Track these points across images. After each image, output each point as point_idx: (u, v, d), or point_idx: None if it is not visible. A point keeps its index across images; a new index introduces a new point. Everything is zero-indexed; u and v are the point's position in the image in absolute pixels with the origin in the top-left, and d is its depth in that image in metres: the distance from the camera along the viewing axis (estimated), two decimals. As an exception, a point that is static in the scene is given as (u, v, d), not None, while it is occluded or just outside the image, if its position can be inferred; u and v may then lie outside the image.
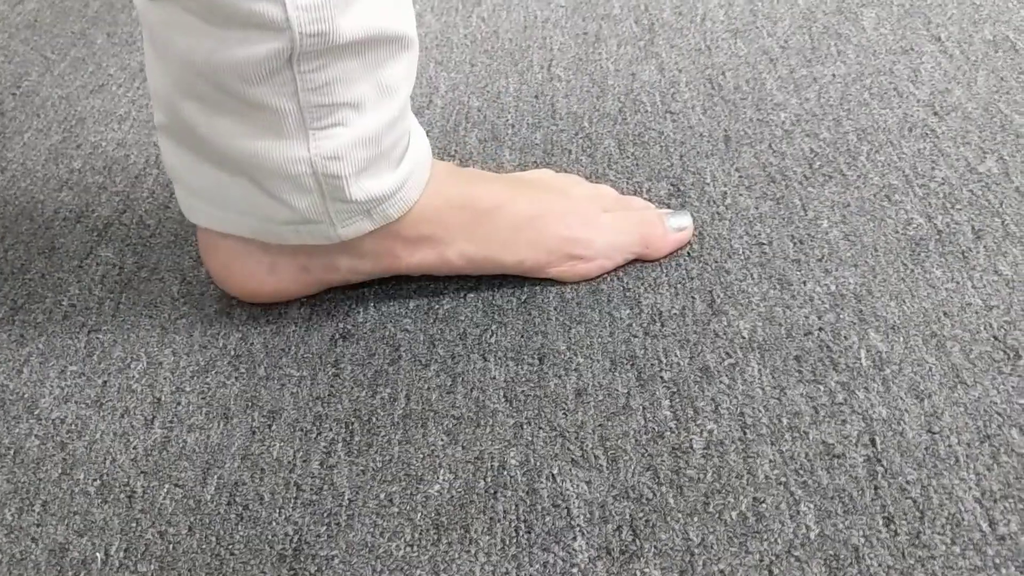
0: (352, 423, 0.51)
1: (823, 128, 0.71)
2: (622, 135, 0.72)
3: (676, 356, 0.53)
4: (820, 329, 0.54)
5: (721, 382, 0.51)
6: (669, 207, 0.64)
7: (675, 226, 0.59)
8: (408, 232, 0.54)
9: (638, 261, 0.59)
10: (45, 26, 0.94)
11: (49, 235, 0.66)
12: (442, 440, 0.49)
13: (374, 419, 0.51)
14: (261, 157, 0.49)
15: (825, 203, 0.64)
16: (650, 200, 0.65)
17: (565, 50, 0.83)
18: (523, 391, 0.52)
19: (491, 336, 0.55)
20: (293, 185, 0.50)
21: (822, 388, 0.51)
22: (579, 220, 0.57)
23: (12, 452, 0.50)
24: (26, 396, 0.53)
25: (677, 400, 0.51)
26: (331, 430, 0.50)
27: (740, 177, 0.67)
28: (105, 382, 0.54)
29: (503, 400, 0.51)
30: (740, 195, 0.65)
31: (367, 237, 0.53)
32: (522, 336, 0.55)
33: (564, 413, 0.50)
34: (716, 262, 0.59)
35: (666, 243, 0.59)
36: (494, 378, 0.52)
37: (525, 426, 0.50)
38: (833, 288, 0.57)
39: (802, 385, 0.51)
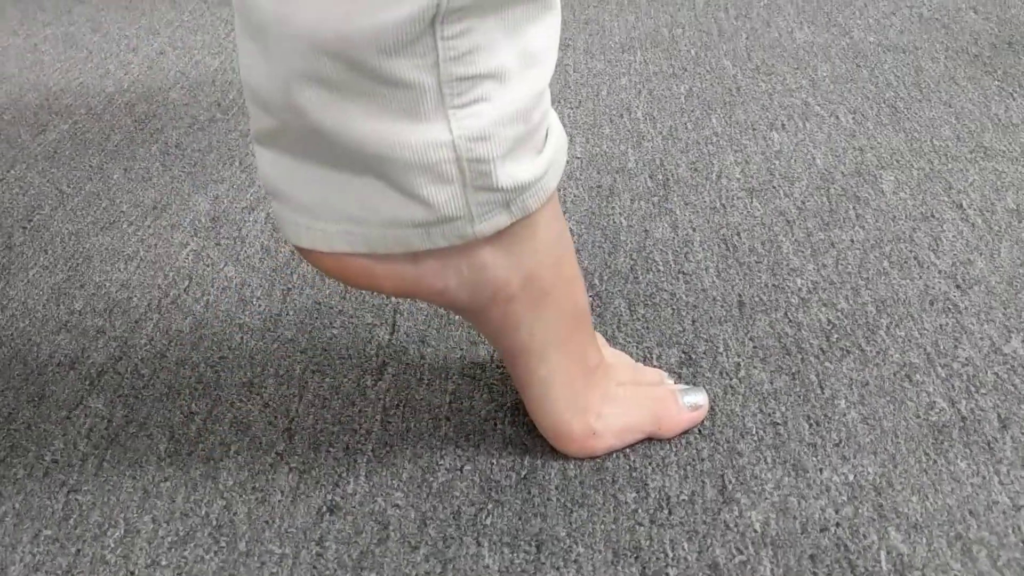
0: (333, 612, 0.47)
1: (841, 297, 0.69)
2: (633, 295, 0.71)
3: (683, 549, 0.50)
4: (837, 525, 0.51)
5: (730, 582, 0.48)
6: (680, 377, 0.62)
7: (689, 404, 0.57)
8: (530, 262, 0.50)
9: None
10: (64, 158, 0.94)
11: (40, 381, 0.64)
12: (427, 638, 0.46)
13: (357, 608, 0.47)
14: (396, 145, 0.43)
15: (843, 381, 0.61)
16: (660, 369, 0.63)
17: (578, 203, 0.83)
18: (517, 583, 0.48)
19: (486, 516, 0.52)
20: (432, 175, 0.44)
21: (839, 594, 0.47)
22: (601, 391, 0.55)
23: (-30, 628, 0.47)
24: (-7, 563, 0.51)
25: (682, 601, 0.47)
26: (310, 619, 0.47)
27: (754, 347, 0.64)
28: (79, 550, 0.51)
29: (495, 593, 0.48)
30: (754, 367, 0.63)
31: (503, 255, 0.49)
32: (520, 518, 0.52)
33: (560, 611, 0.47)
34: (728, 442, 0.56)
35: (679, 423, 0.56)
36: (487, 566, 0.49)
37: (517, 625, 0.46)
38: (851, 478, 0.54)
39: (817, 589, 0.48)
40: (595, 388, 0.55)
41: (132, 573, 0.50)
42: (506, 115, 0.44)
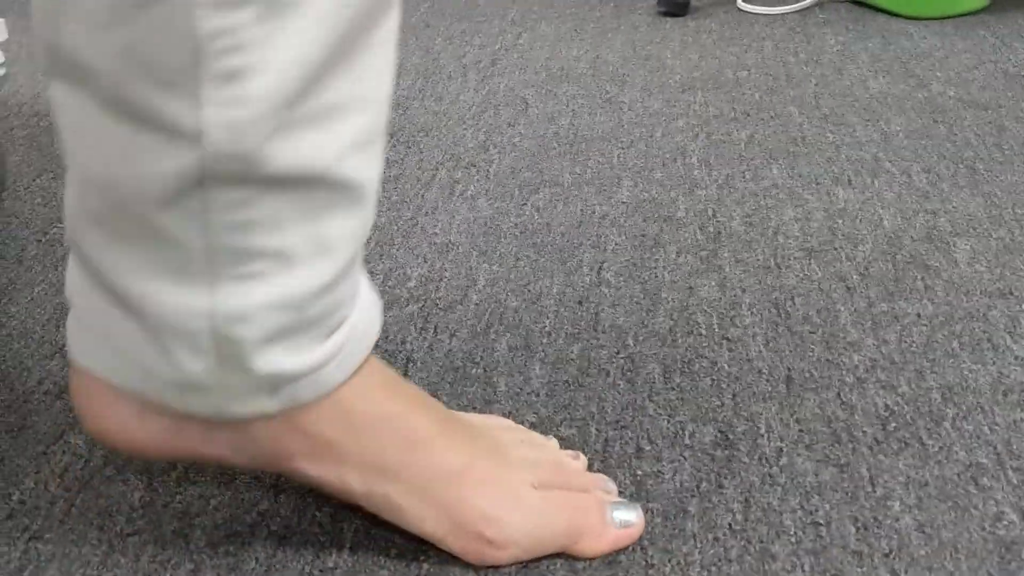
0: None
1: (902, 380, 0.62)
2: (669, 360, 0.64)
3: (697, 671, 0.43)
4: (881, 655, 0.44)
5: None
6: (712, 459, 0.55)
7: (618, 520, 0.49)
8: (314, 428, 0.44)
9: (566, 556, 0.48)
10: (93, 170, 0.91)
11: (24, 410, 0.60)
12: None
13: None
14: (153, 302, 0.40)
15: (898, 478, 0.54)
16: (692, 448, 0.56)
17: (619, 252, 0.77)
18: None
19: (478, 610, 0.46)
20: (186, 343, 0.41)
21: None
22: (504, 494, 0.47)
23: None
24: (-66, 616, 0.46)
25: None
26: None
27: (800, 431, 0.58)
28: (25, 610, 0.46)
29: None
30: (798, 455, 0.56)
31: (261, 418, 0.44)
32: (515, 615, 0.46)
33: None
34: (761, 542, 0.50)
35: (601, 541, 0.48)
36: (471, 672, 0.43)
37: None
38: (901, 598, 0.47)
39: None
40: (470, 496, 0.47)
41: (79, 642, 0.45)
42: (277, 301, 0.41)
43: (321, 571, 0.48)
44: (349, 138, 0.39)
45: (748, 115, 1.01)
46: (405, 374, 0.63)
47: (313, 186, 0.39)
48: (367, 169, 0.41)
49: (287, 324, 0.41)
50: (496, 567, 0.48)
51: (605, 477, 0.52)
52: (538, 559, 0.48)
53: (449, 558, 0.49)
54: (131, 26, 0.35)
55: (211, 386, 0.42)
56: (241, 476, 0.54)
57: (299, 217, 0.39)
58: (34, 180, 0.89)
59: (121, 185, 0.38)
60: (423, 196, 0.85)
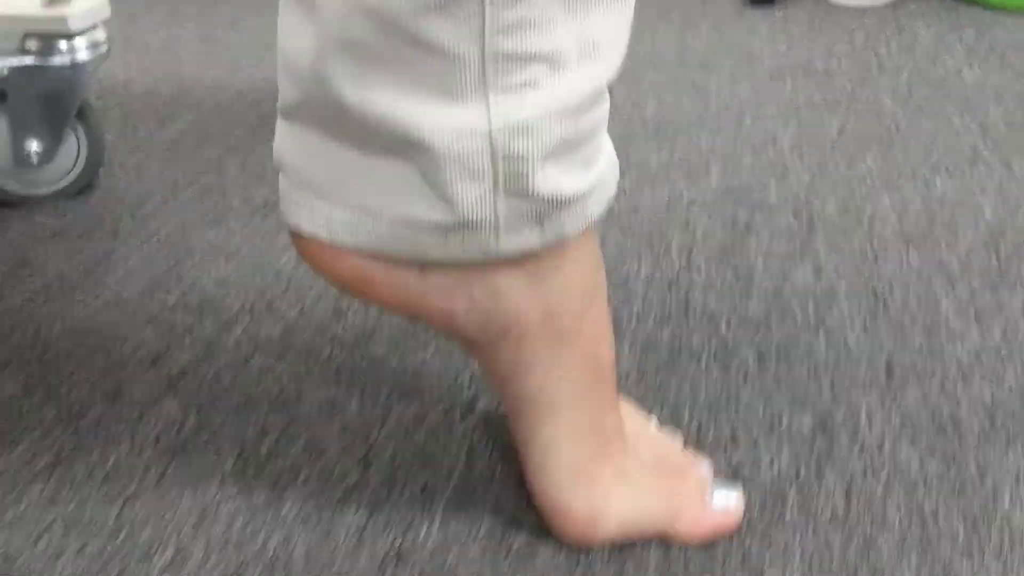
0: None
1: (1009, 373, 0.59)
2: (764, 346, 0.62)
3: (800, 661, 0.42)
4: (995, 653, 0.42)
5: None
6: (811, 447, 0.54)
7: (719, 505, 0.47)
8: (552, 293, 0.43)
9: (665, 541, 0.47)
10: (184, 149, 0.93)
11: (119, 377, 0.61)
12: None
13: None
14: (423, 127, 0.37)
15: (1008, 473, 0.52)
16: (789, 436, 0.54)
17: (709, 237, 0.75)
18: (599, 676, 0.41)
19: (571, 589, 0.45)
20: (462, 167, 0.38)
21: None
22: (609, 468, 0.46)
23: (-2, 643, 0.43)
24: (35, 572, 0.47)
25: None
26: None
27: (903, 422, 0.55)
28: (120, 572, 0.47)
29: None
30: (902, 446, 0.54)
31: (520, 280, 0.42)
32: (609, 596, 0.45)
33: None
34: (865, 534, 0.48)
35: (701, 525, 0.47)
36: (566, 650, 0.42)
37: None
38: (1015, 596, 0.45)
39: None
40: (607, 461, 0.46)
41: (174, 603, 0.45)
42: (555, 109, 0.38)
43: (412, 544, 0.48)
44: None
45: (840, 104, 0.98)
46: (493, 353, 0.62)
47: None
48: None
49: (566, 137, 0.39)
50: (589, 549, 0.47)
51: (701, 458, 0.51)
52: (633, 542, 0.47)
53: (539, 535, 0.48)
54: None
55: (483, 218, 0.39)
56: (331, 448, 0.54)
57: (569, 15, 0.37)
58: (128, 157, 0.91)
59: None
60: (508, 179, 0.84)
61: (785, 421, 0.56)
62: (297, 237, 0.44)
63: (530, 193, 0.39)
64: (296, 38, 0.39)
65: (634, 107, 0.97)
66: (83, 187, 0.83)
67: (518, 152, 0.38)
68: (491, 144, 0.38)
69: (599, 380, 0.46)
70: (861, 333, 0.64)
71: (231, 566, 0.47)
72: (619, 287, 0.69)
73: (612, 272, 0.71)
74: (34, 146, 0.79)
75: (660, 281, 0.70)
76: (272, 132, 0.99)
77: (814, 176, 0.84)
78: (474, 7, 0.35)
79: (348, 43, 0.37)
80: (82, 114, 0.82)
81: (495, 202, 0.39)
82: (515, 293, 0.43)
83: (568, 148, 0.40)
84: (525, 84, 0.37)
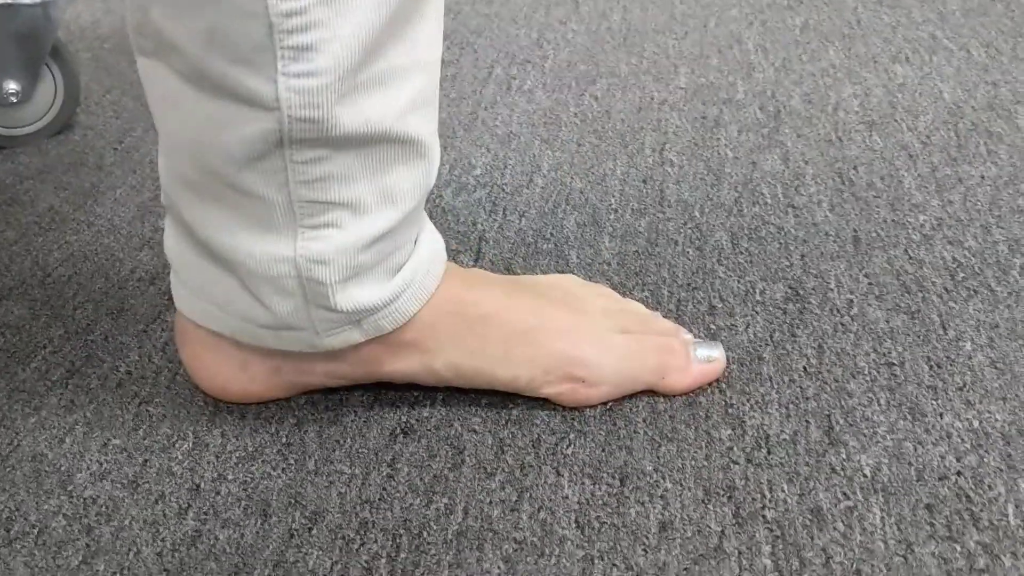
0: (400, 536, 0.44)
1: (968, 235, 0.63)
2: (736, 228, 0.65)
3: (783, 492, 0.45)
4: (959, 473, 0.46)
5: (835, 529, 0.43)
6: (784, 312, 0.57)
7: (702, 356, 0.51)
8: (392, 337, 0.49)
9: (652, 394, 0.51)
10: (159, 84, 0.93)
11: (121, 295, 0.63)
12: (498, 568, 0.43)
13: (425, 533, 0.44)
14: (243, 252, 0.45)
15: (969, 322, 0.55)
16: (763, 304, 0.58)
17: (680, 134, 0.78)
18: (598, 517, 0.45)
19: (568, 447, 0.48)
20: (275, 287, 0.45)
21: (958, 548, 0.42)
22: (586, 338, 0.50)
23: (36, 531, 0.46)
24: (63, 469, 0.49)
25: (780, 546, 0.43)
26: (376, 542, 0.44)
27: (870, 284, 0.59)
28: (146, 460, 0.50)
29: (574, 525, 0.44)
30: (869, 305, 0.57)
31: None
32: (603, 450, 0.48)
33: (644, 549, 0.43)
34: (837, 381, 0.51)
35: (687, 376, 0.50)
36: (566, 497, 0.46)
37: (596, 560, 0.43)
38: (976, 424, 0.48)
39: (934, 542, 0.42)
40: (554, 343, 0.49)
41: (198, 486, 0.48)
42: (351, 245, 0.44)
43: (417, 421, 0.51)
44: (407, 99, 0.43)
45: (802, 2, 1.00)
46: (479, 251, 0.65)
47: (378, 143, 0.43)
48: (426, 125, 0.45)
49: (360, 265, 0.45)
50: (585, 408, 0.50)
51: (682, 328, 0.54)
52: (621, 401, 0.51)
53: (536, 404, 0.51)
54: (212, 9, 0.38)
55: (302, 324, 0.47)
56: (332, 343, 0.57)
57: (367, 171, 0.44)
58: (104, 96, 0.92)
59: (208, 150, 0.43)
60: (481, 92, 0.86)
61: (759, 292, 0.59)
62: (180, 322, 0.52)
63: (333, 309, 0.46)
64: (160, 159, 0.47)
65: (601, 17, 0.99)
66: (63, 126, 0.85)
67: (317, 278, 0.45)
68: (296, 270, 0.45)
69: (496, 313, 0.50)
70: (828, 211, 0.67)
71: (249, 449, 0.50)
72: (596, 185, 0.72)
73: (589, 172, 0.73)
74: (11, 86, 0.80)
75: (635, 177, 0.73)
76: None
77: (779, 72, 0.86)
78: (277, 164, 0.42)
79: (187, 181, 0.45)
80: (56, 53, 0.83)
81: (308, 313, 0.46)
82: (364, 355, 0.49)
83: (365, 271, 0.46)
84: (328, 224, 0.44)
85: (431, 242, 0.50)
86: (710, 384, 0.51)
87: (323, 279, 0.45)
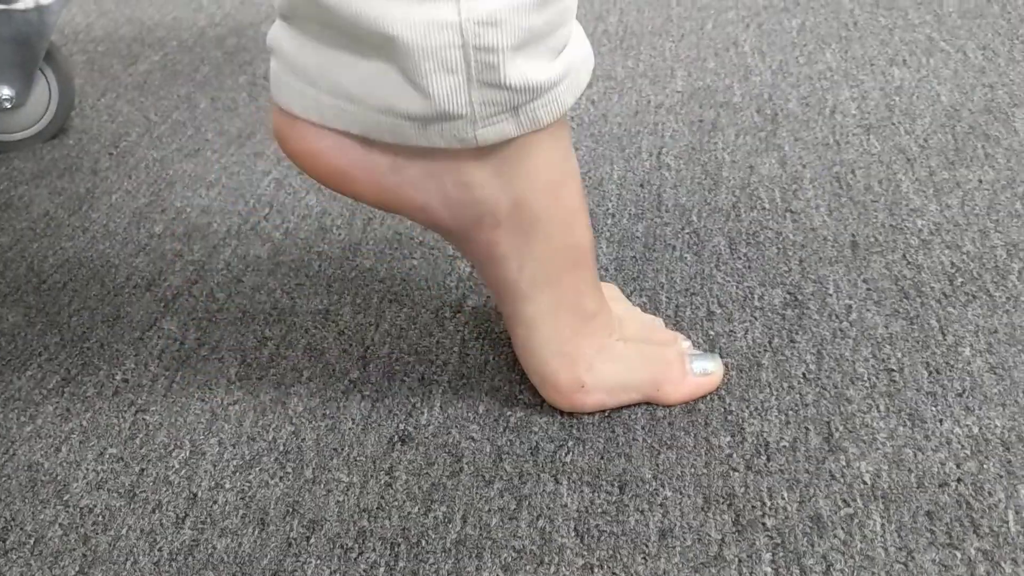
0: (398, 544, 0.44)
1: (967, 240, 0.63)
2: (734, 233, 0.65)
3: (783, 499, 0.45)
4: (959, 480, 0.45)
5: (835, 536, 0.43)
6: (783, 317, 0.57)
7: (698, 370, 0.51)
8: (521, 187, 0.45)
9: (648, 404, 0.51)
10: (153, 88, 0.93)
11: (116, 302, 0.63)
12: (498, 577, 0.42)
13: (423, 542, 0.44)
14: (398, 22, 0.39)
15: (968, 327, 0.55)
16: (762, 309, 0.58)
17: (678, 138, 0.77)
18: (598, 525, 0.44)
19: (566, 454, 0.48)
20: (435, 62, 0.40)
21: (959, 555, 0.42)
22: (592, 343, 0.49)
23: (32, 541, 0.46)
24: (59, 478, 0.49)
25: (781, 554, 0.43)
26: (374, 550, 0.44)
27: (868, 290, 0.59)
28: (143, 470, 0.49)
29: (573, 534, 0.44)
30: (867, 310, 0.57)
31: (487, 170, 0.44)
32: (602, 457, 0.48)
33: (644, 557, 0.43)
34: (836, 387, 0.51)
35: (682, 389, 0.50)
36: (565, 505, 0.45)
37: (596, 569, 0.42)
38: (975, 430, 0.48)
39: (934, 549, 0.42)
40: (589, 338, 0.49)
41: (195, 495, 0.48)
42: (525, 1, 0.40)
43: (415, 428, 0.51)
44: None
45: (798, 4, 1.00)
46: (476, 256, 0.65)
47: None
48: None
49: (532, 27, 0.41)
50: (581, 414, 0.50)
51: (681, 335, 0.54)
52: (620, 408, 0.50)
53: (533, 411, 0.51)
54: None
55: (460, 110, 0.41)
56: (330, 350, 0.57)
57: None
58: (99, 99, 0.91)
59: None
60: (478, 96, 0.86)
61: (757, 297, 0.59)
62: (283, 121, 0.45)
63: (502, 83, 0.41)
64: None
65: (598, 19, 0.99)
66: (57, 130, 0.84)
67: (488, 43, 0.40)
68: (462, 36, 0.39)
69: (575, 262, 0.48)
70: (826, 215, 0.66)
71: (246, 458, 0.50)
72: (593, 189, 0.72)
73: (586, 176, 0.73)
74: (5, 91, 0.80)
75: (632, 181, 0.72)
76: (238, 66, 1.00)
77: (775, 74, 0.86)
78: None
79: None
80: (50, 57, 0.82)
81: (469, 93, 0.41)
82: (484, 183, 0.45)
83: (535, 39, 0.41)
84: None
85: (583, 39, 0.46)
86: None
87: (494, 44, 0.40)
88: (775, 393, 0.51)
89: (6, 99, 0.80)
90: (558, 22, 0.42)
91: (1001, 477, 0.45)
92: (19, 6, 0.78)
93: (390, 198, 0.46)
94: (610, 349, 0.49)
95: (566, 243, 0.48)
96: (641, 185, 0.72)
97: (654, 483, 0.46)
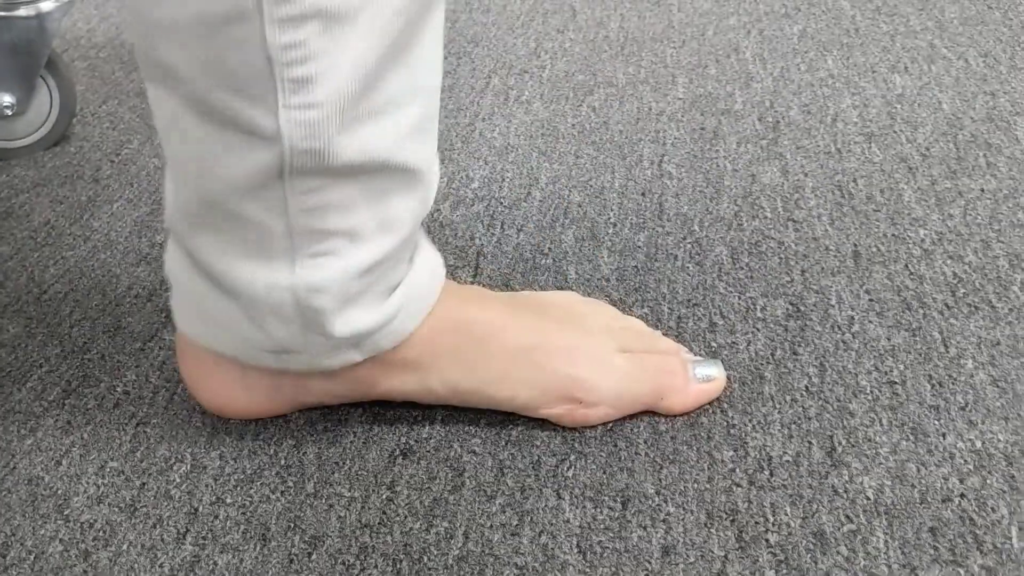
0: (400, 561, 0.44)
1: (969, 250, 0.62)
2: (736, 242, 0.65)
3: (786, 515, 0.45)
4: (962, 496, 0.45)
5: (839, 553, 0.43)
6: (785, 329, 0.57)
7: (701, 376, 0.51)
8: (389, 356, 0.48)
9: (653, 413, 0.51)
10: (154, 95, 0.93)
11: (117, 313, 0.63)
12: (500, 594, 0.42)
13: (425, 558, 0.44)
14: (243, 280, 0.45)
15: (970, 339, 0.55)
16: (764, 320, 0.57)
17: (679, 146, 0.77)
18: (600, 541, 0.44)
19: (568, 469, 0.48)
20: (273, 314, 0.46)
21: (962, 572, 0.42)
22: (586, 357, 0.49)
23: (33, 557, 0.46)
24: (59, 492, 0.49)
25: (784, 571, 0.42)
26: (376, 567, 0.44)
27: (871, 301, 0.59)
28: (143, 484, 0.49)
29: (575, 550, 0.44)
30: (870, 322, 0.57)
31: None
32: (604, 472, 0.48)
33: (647, 574, 0.43)
34: (839, 401, 0.51)
35: (686, 397, 0.50)
36: (567, 521, 0.45)
37: (598, 586, 0.42)
38: (979, 445, 0.48)
39: (938, 566, 0.42)
40: (554, 363, 0.49)
41: (196, 509, 0.48)
42: (349, 272, 0.44)
43: (416, 442, 0.51)
44: (406, 126, 0.43)
45: (799, 10, 1.00)
46: (476, 267, 0.65)
47: (377, 172, 0.43)
48: (424, 152, 0.45)
49: (357, 290, 0.45)
50: (585, 428, 0.50)
51: (682, 347, 0.54)
52: (623, 421, 0.50)
53: (536, 424, 0.51)
54: (213, 41, 0.38)
55: (301, 348, 0.47)
56: (331, 362, 0.56)
57: (366, 200, 0.44)
58: (100, 106, 0.91)
59: (210, 177, 0.43)
60: (478, 103, 0.86)
61: (760, 308, 0.59)
62: (180, 341, 0.52)
63: (331, 333, 0.46)
64: (167, 184, 0.47)
65: (599, 26, 0.98)
66: (59, 138, 0.84)
67: (316, 306, 0.45)
68: (295, 296, 0.45)
69: (497, 331, 0.49)
70: (828, 225, 0.66)
71: (248, 472, 0.49)
72: (594, 198, 0.71)
73: (587, 185, 0.73)
74: (6, 99, 0.80)
75: (634, 190, 0.72)
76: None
77: (777, 81, 0.86)
78: (278, 194, 0.42)
79: (189, 208, 0.45)
80: (51, 64, 0.82)
81: (306, 338, 0.46)
82: (363, 374, 0.49)
83: (360, 295, 0.46)
84: (326, 253, 0.44)
85: (428, 260, 0.50)
86: (712, 403, 0.51)
87: (320, 307, 0.45)
88: (777, 406, 0.51)
89: (7, 106, 0.80)
90: (386, 270, 0.46)
91: (1004, 492, 0.45)
92: (20, 13, 0.78)
93: (281, 409, 0.52)
94: (607, 360, 0.49)
95: (470, 341, 0.49)
96: (643, 194, 0.72)
97: (657, 499, 0.46)
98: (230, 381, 0.51)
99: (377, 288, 0.46)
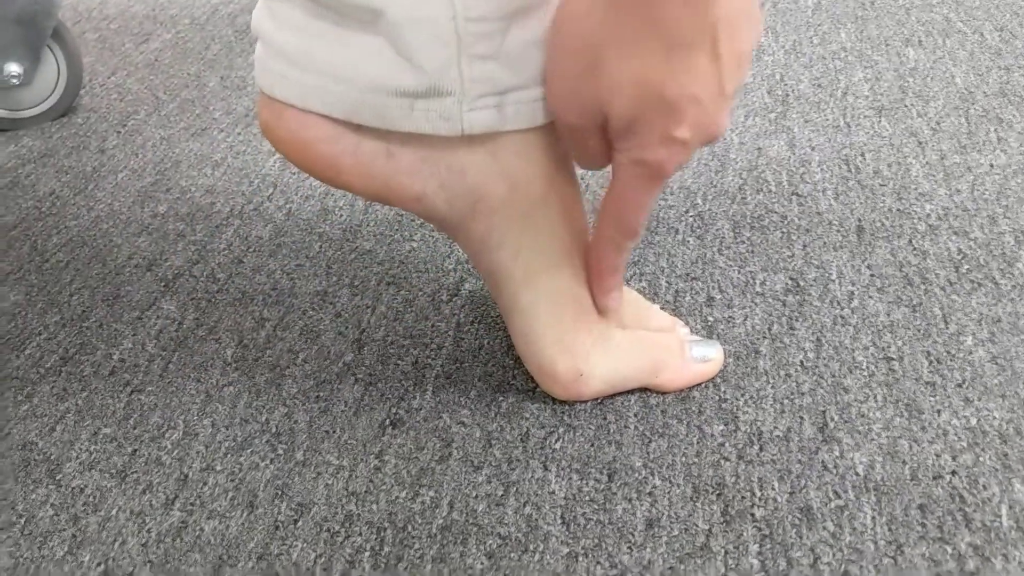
0: (385, 529, 0.44)
1: (975, 226, 0.61)
2: (739, 216, 0.64)
3: (773, 490, 0.45)
4: (953, 473, 0.45)
5: (825, 528, 0.43)
6: (783, 304, 0.56)
7: (698, 356, 0.50)
8: (513, 169, 0.43)
9: (647, 390, 0.50)
10: (163, 66, 0.93)
11: (117, 282, 0.63)
12: (481, 564, 0.42)
13: (410, 527, 0.44)
14: None
15: (971, 316, 0.54)
16: (762, 295, 0.57)
17: (685, 119, 0.76)
18: (584, 513, 0.44)
19: (556, 441, 0.48)
20: (427, 33, 0.38)
21: (949, 550, 0.41)
22: (591, 331, 0.48)
23: (23, 521, 0.46)
24: (52, 458, 0.49)
25: (768, 546, 0.42)
26: (360, 535, 0.44)
27: (872, 276, 0.58)
28: (135, 450, 0.50)
29: (559, 522, 0.44)
30: (870, 297, 0.56)
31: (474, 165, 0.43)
32: (592, 445, 0.48)
33: (629, 547, 0.42)
34: (833, 376, 0.51)
35: (681, 376, 0.49)
36: (552, 493, 0.45)
37: (580, 557, 0.42)
38: (973, 422, 0.47)
39: (924, 543, 0.42)
40: (587, 326, 0.48)
41: (186, 476, 0.48)
42: None
43: (407, 411, 0.50)
44: None
45: (814, -17, 0.99)
46: (476, 239, 0.64)
47: None
48: None
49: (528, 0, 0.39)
50: (576, 402, 0.50)
51: (680, 321, 0.53)
52: (613, 396, 0.50)
53: (525, 397, 0.50)
54: None
55: (451, 86, 0.40)
56: (326, 333, 0.57)
57: None
58: (109, 78, 0.91)
59: None
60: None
61: (759, 282, 0.58)
62: (269, 109, 0.45)
63: (496, 54, 0.40)
64: None
65: None
66: (66, 108, 0.85)
67: (479, 13, 0.39)
68: (453, 7, 0.38)
69: (573, 251, 0.48)
70: (833, 199, 0.65)
71: (238, 440, 0.50)
72: (597, 172, 0.71)
73: (590, 157, 0.72)
74: (13, 68, 0.80)
75: (637, 163, 0.71)
76: (249, 44, 0.99)
77: (788, 54, 0.85)
78: None
79: None
80: (58, 35, 0.82)
81: (459, 68, 0.40)
82: (478, 170, 0.44)
83: (534, 8, 0.40)
84: None
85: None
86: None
87: (486, 13, 0.39)
88: (771, 381, 0.51)
89: (14, 76, 0.80)
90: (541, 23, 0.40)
91: (996, 471, 0.45)
92: (27, -17, 0.78)
93: (381, 187, 0.45)
94: (609, 338, 0.49)
95: (563, 230, 0.47)
96: (646, 167, 0.71)
97: (643, 472, 0.46)
98: (341, 144, 0.44)
99: (543, 7, 0.40)
